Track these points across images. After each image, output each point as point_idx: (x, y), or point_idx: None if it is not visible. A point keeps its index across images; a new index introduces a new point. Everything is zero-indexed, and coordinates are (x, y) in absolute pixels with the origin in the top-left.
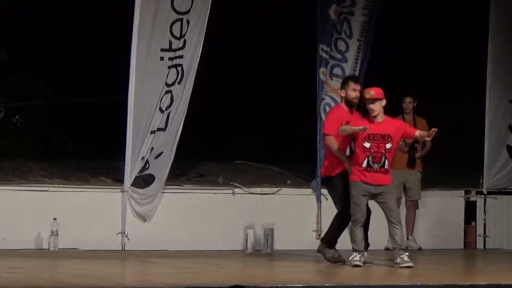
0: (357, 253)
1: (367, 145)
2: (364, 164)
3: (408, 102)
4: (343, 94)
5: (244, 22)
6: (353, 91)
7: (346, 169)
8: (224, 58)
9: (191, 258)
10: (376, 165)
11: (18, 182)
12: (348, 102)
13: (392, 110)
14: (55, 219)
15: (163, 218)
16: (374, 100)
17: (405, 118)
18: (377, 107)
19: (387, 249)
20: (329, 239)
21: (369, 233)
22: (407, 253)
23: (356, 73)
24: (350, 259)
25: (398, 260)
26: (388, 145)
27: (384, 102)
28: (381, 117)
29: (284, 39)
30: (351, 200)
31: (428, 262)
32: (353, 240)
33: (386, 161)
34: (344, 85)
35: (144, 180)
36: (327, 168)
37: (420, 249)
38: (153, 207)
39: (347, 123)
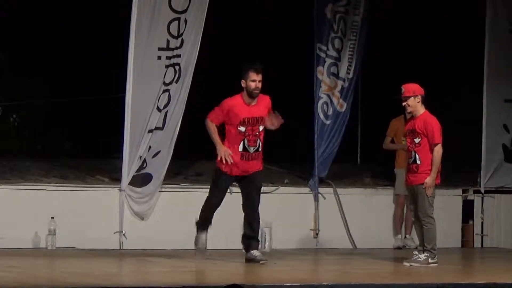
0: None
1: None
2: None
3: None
4: (243, 84)
5: (242, 21)
6: (253, 82)
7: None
8: (221, 57)
9: (189, 257)
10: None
11: (15, 181)
12: (248, 93)
13: (393, 110)
14: (52, 218)
15: (161, 217)
16: (405, 98)
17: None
18: (410, 103)
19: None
20: None
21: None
22: None
23: (350, 73)
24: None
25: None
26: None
27: (418, 98)
28: None
29: (282, 38)
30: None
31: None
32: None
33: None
34: (244, 74)
35: (141, 179)
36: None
37: (417, 247)
38: (150, 206)
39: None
